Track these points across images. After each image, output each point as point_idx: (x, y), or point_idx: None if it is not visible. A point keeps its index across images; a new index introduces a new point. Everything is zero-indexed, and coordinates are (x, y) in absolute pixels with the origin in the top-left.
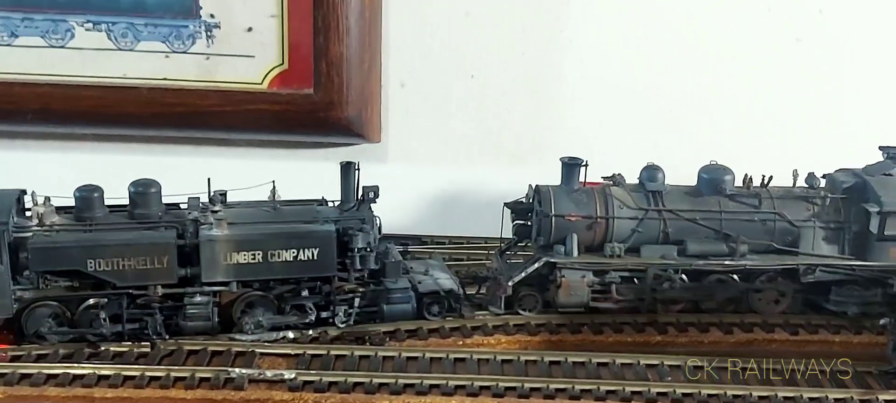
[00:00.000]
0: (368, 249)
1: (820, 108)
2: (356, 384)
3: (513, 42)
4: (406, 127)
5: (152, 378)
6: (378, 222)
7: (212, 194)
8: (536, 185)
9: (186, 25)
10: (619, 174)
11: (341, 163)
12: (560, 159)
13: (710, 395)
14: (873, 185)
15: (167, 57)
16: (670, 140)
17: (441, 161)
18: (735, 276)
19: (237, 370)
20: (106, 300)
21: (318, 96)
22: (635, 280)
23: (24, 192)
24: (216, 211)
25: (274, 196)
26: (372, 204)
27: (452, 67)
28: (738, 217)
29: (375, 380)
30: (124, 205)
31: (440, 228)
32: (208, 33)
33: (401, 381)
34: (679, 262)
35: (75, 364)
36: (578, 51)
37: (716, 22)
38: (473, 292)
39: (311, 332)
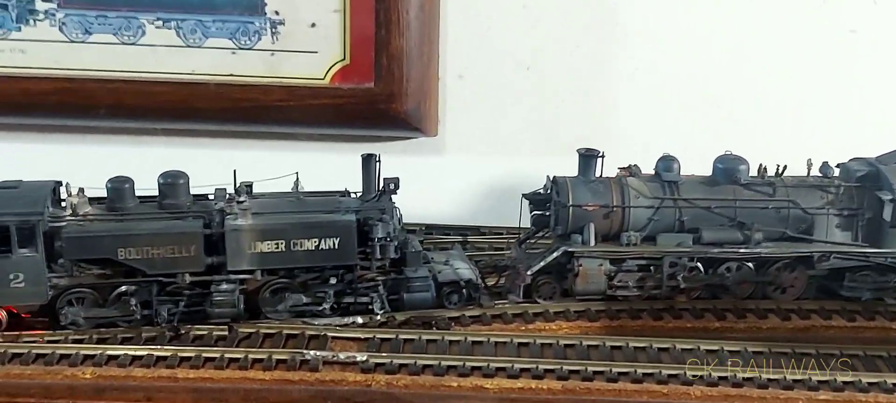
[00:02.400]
0: (389, 239)
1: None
2: (425, 366)
3: (568, 35)
4: (462, 120)
5: (231, 360)
6: (398, 213)
7: (237, 185)
8: (554, 176)
9: (252, 22)
10: (635, 165)
11: (362, 155)
12: (577, 150)
13: (770, 379)
14: (887, 174)
15: (234, 53)
16: (724, 132)
17: (496, 153)
18: (749, 264)
19: (312, 352)
20: (136, 287)
21: (379, 89)
22: (651, 268)
23: (58, 183)
24: (241, 202)
25: (297, 187)
26: (392, 195)
27: (509, 60)
28: (752, 205)
29: (444, 363)
30: (154, 196)
31: (496, 220)
32: (273, 30)
33: (468, 364)
34: (694, 250)
35: (159, 347)
36: (633, 44)
37: (768, 17)
38: (494, 282)
39: (379, 317)
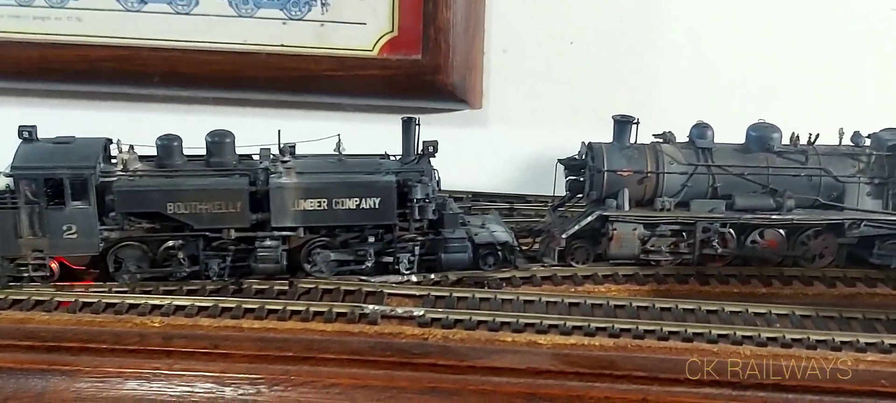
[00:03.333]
0: (427, 200)
1: None
2: (480, 322)
3: (612, 9)
4: (506, 93)
5: (293, 312)
6: (437, 175)
7: (281, 146)
8: (589, 142)
9: None
10: (669, 131)
11: (402, 118)
12: (612, 117)
13: (818, 341)
14: None
15: (284, 23)
16: (765, 107)
17: (540, 126)
18: (781, 230)
19: (371, 306)
20: (183, 241)
21: (426, 61)
22: (684, 233)
23: (110, 141)
24: (286, 162)
25: (339, 148)
26: (431, 158)
27: (553, 34)
28: (784, 172)
29: (498, 319)
30: (202, 155)
31: (538, 190)
32: (323, 1)
33: (522, 321)
34: (727, 216)
35: (224, 298)
36: (676, 18)
37: None
38: (528, 246)
39: (433, 276)
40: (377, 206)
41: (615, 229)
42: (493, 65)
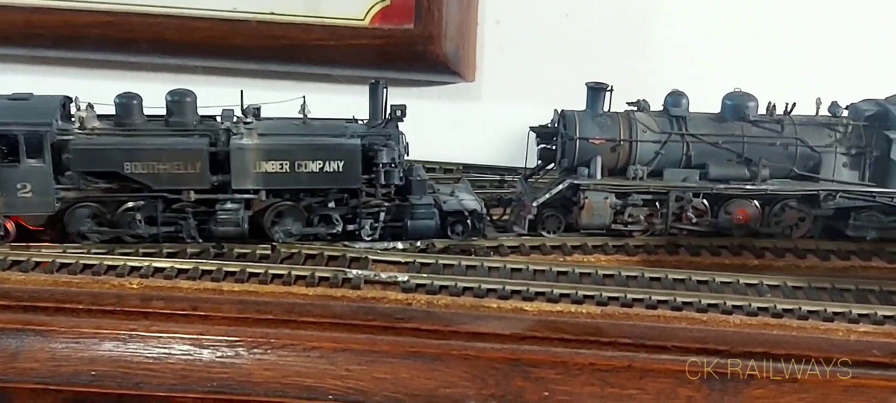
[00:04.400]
0: (393, 165)
1: None
2: (465, 288)
3: None
4: (500, 65)
5: (275, 276)
6: (404, 140)
7: (245, 107)
8: (562, 110)
9: None
10: (643, 100)
11: (370, 82)
12: (585, 83)
13: (810, 311)
14: (895, 113)
15: None
16: (763, 78)
17: (533, 99)
18: (756, 202)
19: (354, 271)
20: (142, 202)
21: (418, 31)
22: (657, 203)
23: (69, 99)
24: (248, 123)
25: (304, 110)
26: (399, 123)
27: (547, 6)
28: (760, 142)
29: (484, 286)
30: (162, 115)
31: (532, 163)
32: None
33: (508, 287)
34: (701, 185)
35: (204, 261)
36: None
37: None
38: (499, 215)
39: (419, 244)
40: (341, 170)
41: (587, 198)
42: (487, 36)
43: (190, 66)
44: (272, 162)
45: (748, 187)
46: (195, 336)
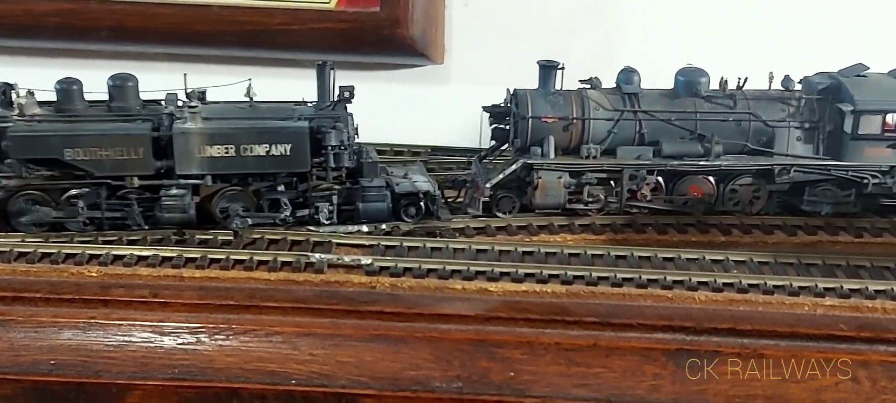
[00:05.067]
0: (343, 147)
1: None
2: (430, 270)
3: None
4: (468, 47)
5: (237, 261)
6: (353, 122)
7: (188, 91)
8: (514, 89)
9: None
10: (596, 77)
11: (317, 63)
12: (537, 62)
13: (775, 286)
14: (848, 85)
15: None
16: (731, 52)
17: (502, 81)
18: (710, 177)
19: (317, 255)
20: (86, 190)
21: (384, 14)
22: (611, 181)
23: (9, 86)
24: (192, 107)
25: (250, 93)
26: (347, 104)
27: None
28: (712, 117)
29: (448, 267)
30: (104, 101)
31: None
32: None
33: (473, 268)
34: (654, 163)
35: (165, 248)
36: None
37: None
38: (453, 197)
39: (384, 227)
40: (288, 153)
41: (540, 178)
42: (455, 19)
43: (152, 53)
44: (217, 146)
45: (702, 163)
46: (156, 324)
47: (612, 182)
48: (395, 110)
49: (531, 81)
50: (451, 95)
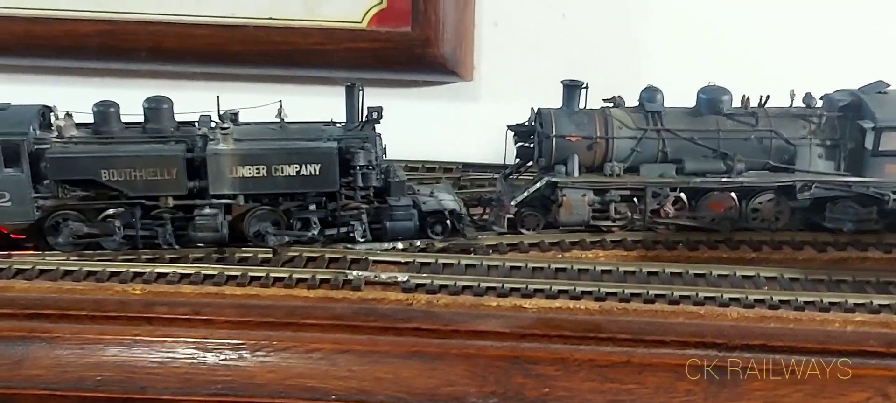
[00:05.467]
0: (370, 167)
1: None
2: (465, 287)
3: None
4: (498, 65)
5: (276, 279)
6: (382, 142)
7: (222, 112)
8: (539, 108)
9: None
10: (619, 96)
11: (346, 84)
12: (560, 81)
13: (806, 302)
14: (868, 103)
15: None
16: (761, 76)
17: (531, 99)
18: (733, 194)
19: (354, 272)
20: (120, 209)
21: (415, 33)
22: (635, 199)
23: (48, 108)
24: (224, 128)
25: (281, 115)
26: (375, 125)
27: (544, 7)
28: (735, 135)
29: (483, 284)
30: (140, 123)
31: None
32: None
33: (507, 285)
34: (677, 180)
35: (206, 265)
36: None
37: None
38: (479, 214)
39: (418, 243)
40: (318, 173)
41: (564, 195)
42: (484, 37)
43: (189, 72)
44: (248, 166)
45: (724, 180)
46: (198, 340)
47: (635, 199)
48: (426, 127)
49: (560, 99)
50: (480, 112)
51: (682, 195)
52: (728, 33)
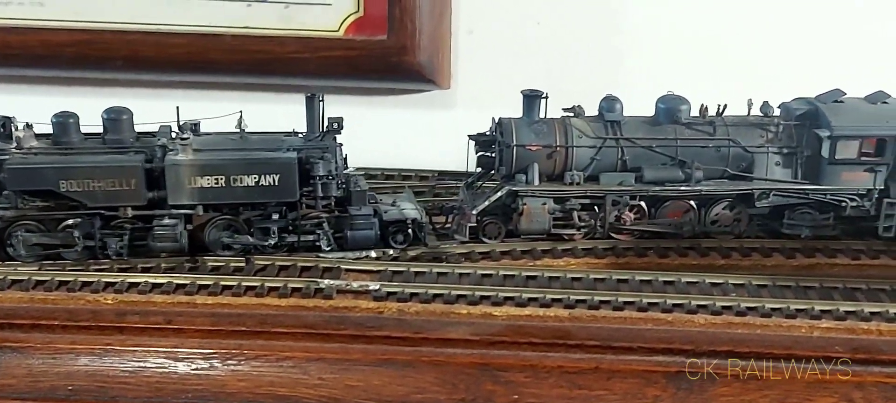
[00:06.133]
0: (330, 177)
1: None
2: (436, 295)
3: None
4: (474, 73)
5: (248, 288)
6: (342, 152)
7: (181, 123)
8: (499, 118)
9: None
10: (579, 105)
11: (306, 94)
12: (520, 91)
13: (773, 309)
14: (825, 111)
15: (249, 6)
16: (731, 82)
17: (508, 105)
18: (692, 202)
19: (326, 281)
20: (79, 219)
21: (392, 42)
22: (595, 207)
23: (7, 118)
24: (184, 139)
25: (241, 125)
26: (336, 135)
27: (519, 15)
28: (693, 144)
29: (454, 292)
30: (100, 133)
31: None
32: None
33: (477, 293)
34: (636, 188)
35: (178, 275)
36: None
37: None
38: (441, 223)
39: (390, 252)
40: (277, 183)
41: (525, 204)
42: (461, 45)
43: (166, 81)
44: (207, 177)
45: (683, 188)
46: (170, 349)
47: (596, 208)
48: (403, 135)
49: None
50: (457, 120)
51: (642, 203)
52: (703, 41)
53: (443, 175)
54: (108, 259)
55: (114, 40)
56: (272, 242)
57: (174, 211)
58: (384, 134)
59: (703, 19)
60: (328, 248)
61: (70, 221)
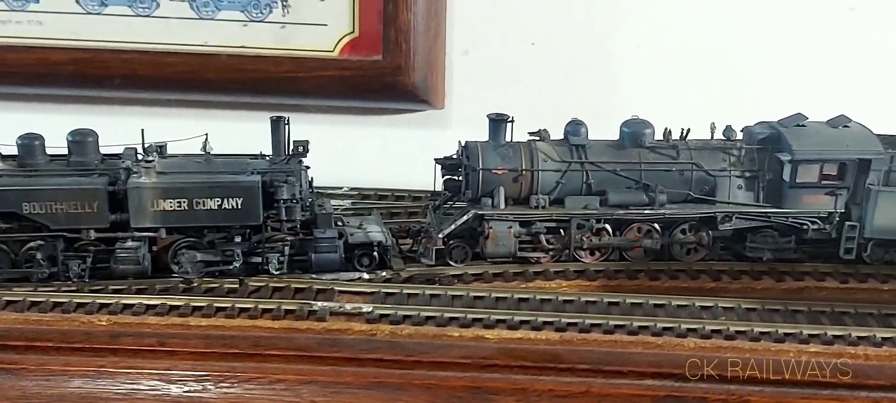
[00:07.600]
0: (294, 200)
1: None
2: (428, 318)
3: (573, 10)
4: (468, 93)
5: (242, 310)
6: (308, 176)
7: (146, 145)
8: (466, 141)
9: None
10: (544, 129)
11: (271, 118)
12: (487, 115)
13: (762, 333)
14: (787, 135)
15: (245, 25)
16: (732, 103)
17: None
18: (656, 225)
19: (319, 303)
20: (42, 242)
21: (386, 62)
22: (561, 230)
23: None
24: (149, 161)
25: (206, 148)
26: (302, 158)
27: (514, 35)
28: (656, 168)
29: (446, 315)
30: (65, 155)
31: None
32: (284, 2)
33: (470, 316)
34: (601, 212)
35: (172, 297)
36: (635, 19)
37: None
38: (408, 246)
39: (383, 274)
40: (240, 207)
41: (491, 228)
42: (455, 66)
43: (163, 100)
44: (170, 200)
45: (647, 212)
46: (163, 371)
47: (561, 231)
48: (397, 155)
49: (529, 126)
50: (451, 140)
51: (607, 226)
52: (697, 60)
53: (436, 194)
54: (69, 281)
55: (111, 59)
56: (237, 265)
57: (137, 234)
58: (378, 153)
59: (696, 40)
60: (277, 272)
61: (33, 244)
